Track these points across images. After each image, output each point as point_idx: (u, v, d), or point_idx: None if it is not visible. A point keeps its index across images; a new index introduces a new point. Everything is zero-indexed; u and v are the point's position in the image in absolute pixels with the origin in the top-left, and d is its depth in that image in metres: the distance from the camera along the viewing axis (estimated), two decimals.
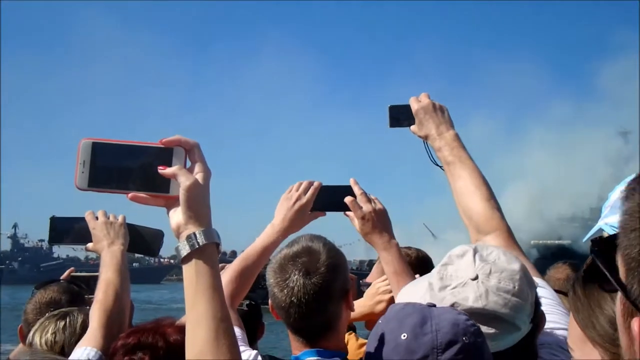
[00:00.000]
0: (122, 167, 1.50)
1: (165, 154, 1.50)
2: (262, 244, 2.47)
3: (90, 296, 2.79)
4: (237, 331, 2.23)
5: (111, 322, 2.42)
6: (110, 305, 2.45)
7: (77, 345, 2.36)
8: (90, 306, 2.60)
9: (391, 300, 2.73)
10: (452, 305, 1.64)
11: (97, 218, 2.68)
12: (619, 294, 0.85)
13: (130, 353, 2.00)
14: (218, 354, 1.41)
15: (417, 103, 2.56)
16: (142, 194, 1.50)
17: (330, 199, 2.55)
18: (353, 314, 2.88)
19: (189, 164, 1.52)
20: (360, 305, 2.85)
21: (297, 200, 2.51)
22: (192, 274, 1.47)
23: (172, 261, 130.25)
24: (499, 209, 2.34)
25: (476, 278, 1.67)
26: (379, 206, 2.52)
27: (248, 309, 3.32)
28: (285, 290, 2.00)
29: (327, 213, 2.58)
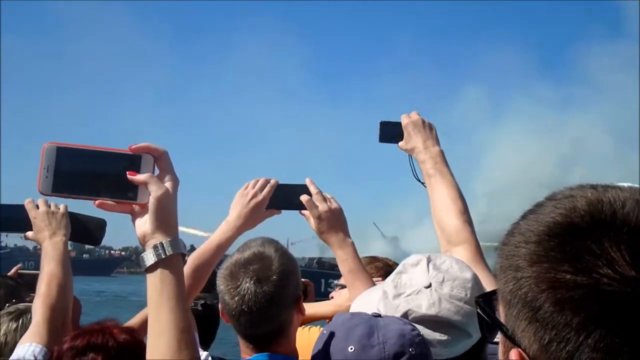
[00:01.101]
0: (87, 173, 1.46)
1: (133, 161, 1.46)
2: (217, 240, 2.46)
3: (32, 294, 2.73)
4: None
5: (55, 317, 2.35)
6: (55, 299, 2.38)
7: (20, 342, 2.29)
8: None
9: None
10: (406, 313, 1.65)
11: (37, 206, 2.59)
12: (500, 337, 0.90)
13: (80, 355, 1.95)
14: None
15: (407, 118, 2.65)
16: (109, 201, 1.47)
17: (286, 197, 2.56)
18: (325, 311, 2.88)
19: (157, 171, 1.49)
20: (337, 305, 2.92)
21: (252, 197, 2.51)
22: (157, 283, 1.45)
23: (123, 253, 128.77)
24: (470, 223, 2.42)
25: (429, 286, 1.69)
26: (334, 205, 2.53)
27: (202, 309, 3.30)
28: (236, 298, 1.98)
29: (283, 211, 2.59)
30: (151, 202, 1.45)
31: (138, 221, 1.49)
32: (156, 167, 1.49)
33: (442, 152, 2.58)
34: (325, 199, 2.53)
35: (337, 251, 2.51)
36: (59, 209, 2.61)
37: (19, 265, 3.54)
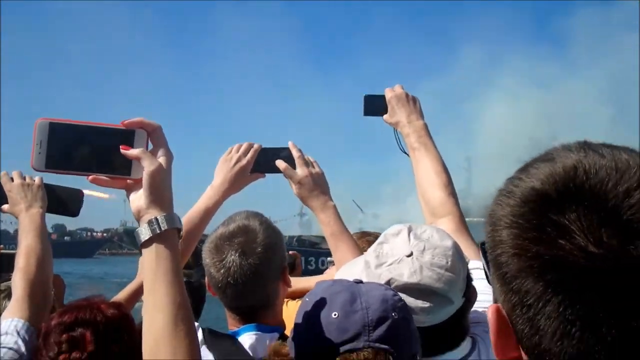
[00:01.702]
0: (81, 149, 1.45)
1: (126, 136, 1.46)
2: (203, 205, 2.46)
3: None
4: None
5: (35, 291, 2.32)
6: (34, 273, 2.35)
7: (2, 317, 2.25)
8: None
9: None
10: (389, 281, 1.68)
11: (12, 179, 2.55)
12: None
13: (69, 330, 1.95)
14: (176, 340, 1.40)
15: (391, 92, 2.66)
16: (102, 177, 1.46)
17: (270, 160, 2.56)
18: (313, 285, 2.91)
19: (150, 147, 1.49)
20: (330, 275, 2.91)
21: (237, 161, 2.51)
22: (153, 258, 1.45)
23: (105, 235, 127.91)
24: (454, 195, 2.44)
25: (411, 255, 1.72)
26: (316, 170, 2.53)
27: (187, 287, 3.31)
28: (222, 271, 2.01)
29: (264, 182, 2.60)
30: (145, 177, 1.45)
31: (132, 196, 1.48)
32: (150, 142, 1.48)
33: (425, 125, 2.60)
34: (307, 163, 2.53)
35: (319, 215, 2.51)
36: (34, 180, 2.57)
37: (0, 245, 3.51)
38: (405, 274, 1.69)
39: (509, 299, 0.82)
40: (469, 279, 1.80)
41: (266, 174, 2.59)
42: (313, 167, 2.54)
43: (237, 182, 2.51)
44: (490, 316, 0.87)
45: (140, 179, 1.45)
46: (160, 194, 1.47)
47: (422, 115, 2.63)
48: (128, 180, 1.48)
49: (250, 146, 2.55)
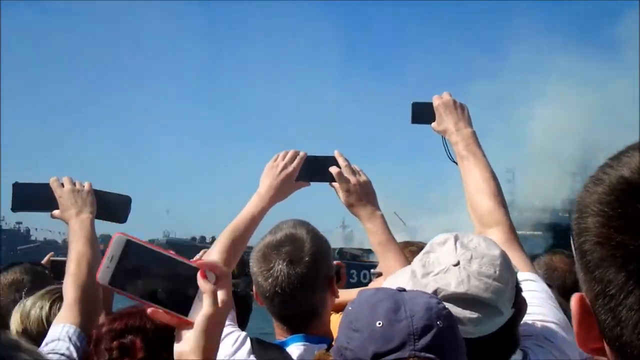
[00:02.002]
0: (149, 275, 1.41)
1: (196, 275, 1.40)
2: (250, 212, 2.46)
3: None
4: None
5: (87, 297, 2.35)
6: (84, 278, 2.37)
7: (54, 322, 2.29)
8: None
9: None
10: (435, 291, 1.66)
11: (62, 185, 2.59)
12: None
13: (119, 337, 1.98)
14: None
15: (438, 99, 2.64)
16: (161, 310, 1.39)
17: (315, 169, 2.57)
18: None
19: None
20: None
21: (283, 169, 2.53)
22: None
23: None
24: (504, 204, 2.39)
25: (458, 264, 1.70)
26: (363, 178, 2.53)
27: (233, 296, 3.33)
28: (270, 280, 2.01)
29: (312, 184, 2.61)
30: (201, 319, 1.36)
31: (180, 336, 1.39)
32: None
33: (474, 133, 2.56)
34: (354, 172, 2.54)
35: (366, 224, 2.51)
36: (84, 186, 2.62)
37: (51, 253, 3.58)
38: (452, 283, 1.67)
39: (591, 288, 0.82)
40: (518, 289, 1.76)
41: (311, 182, 2.61)
42: (360, 175, 2.54)
43: (282, 190, 2.52)
44: (574, 305, 0.86)
45: (193, 322, 1.37)
46: (210, 342, 1.37)
47: (470, 123, 2.60)
48: (184, 321, 1.39)
49: (296, 154, 2.57)
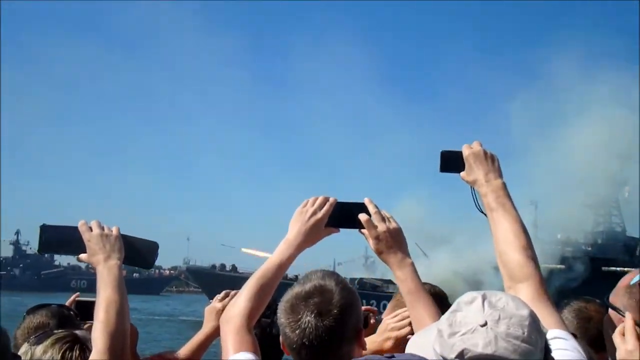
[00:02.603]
0: None
1: None
2: (278, 260, 2.46)
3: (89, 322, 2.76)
4: (251, 357, 2.24)
5: (115, 344, 2.38)
6: (113, 325, 2.41)
7: None
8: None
9: (400, 338, 2.74)
10: (462, 352, 1.63)
11: (90, 229, 2.61)
12: None
13: None
14: None
15: (468, 149, 2.60)
16: None
17: (345, 215, 2.56)
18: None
19: None
20: (371, 342, 2.84)
21: (312, 215, 2.52)
22: None
23: (172, 272, 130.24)
24: (534, 258, 2.34)
25: (485, 324, 1.66)
26: (393, 225, 2.53)
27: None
28: (297, 331, 2.00)
29: (341, 230, 2.59)
30: None
31: None
32: None
33: (504, 184, 2.52)
34: (384, 219, 2.53)
35: (396, 271, 2.49)
36: (112, 231, 2.63)
37: (77, 294, 3.59)
38: (480, 344, 1.63)
39: None
40: (547, 350, 1.72)
41: (341, 229, 2.59)
42: (390, 222, 2.54)
43: (311, 236, 2.52)
44: None
45: None
46: None
47: (500, 174, 2.56)
48: None
49: (326, 200, 2.56)
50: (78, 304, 3.35)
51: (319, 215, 2.52)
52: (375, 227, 2.50)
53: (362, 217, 2.51)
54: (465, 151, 2.60)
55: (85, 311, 3.16)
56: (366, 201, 2.56)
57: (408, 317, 2.67)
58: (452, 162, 2.64)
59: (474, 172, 2.55)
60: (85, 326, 3.06)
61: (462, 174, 2.60)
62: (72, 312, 3.21)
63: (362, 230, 2.54)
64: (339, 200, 2.58)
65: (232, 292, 3.24)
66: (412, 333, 2.56)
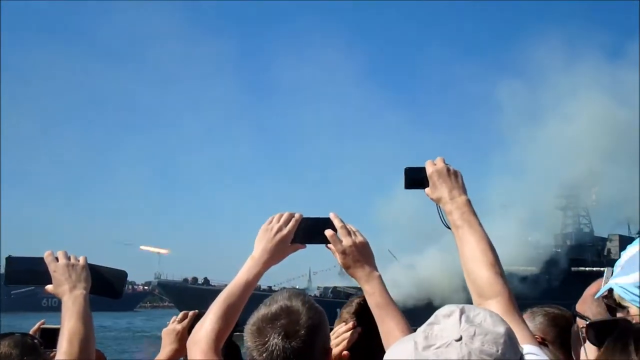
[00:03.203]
0: None
1: None
2: (244, 278, 2.43)
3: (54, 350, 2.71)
4: None
5: None
6: (76, 356, 2.36)
7: None
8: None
9: (335, 355, 2.67)
10: None
11: (57, 259, 2.57)
12: None
13: None
14: None
15: (432, 166, 2.59)
16: None
17: (311, 231, 2.55)
18: None
19: None
20: None
21: (278, 231, 2.50)
22: None
23: (146, 288, 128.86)
24: (502, 275, 2.35)
25: (460, 339, 1.66)
26: (359, 239, 2.51)
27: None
28: (265, 354, 1.98)
29: (307, 245, 2.58)
30: None
31: None
32: None
33: (468, 200, 2.52)
34: (350, 233, 2.51)
35: (364, 285, 2.47)
36: (79, 261, 2.59)
37: (42, 320, 3.53)
38: (453, 359, 1.64)
39: None
40: None
41: (307, 245, 2.57)
42: (356, 236, 2.52)
43: (277, 253, 2.50)
44: None
45: None
46: None
47: (464, 191, 2.56)
48: None
49: (292, 216, 2.55)
50: (43, 331, 3.28)
51: (285, 231, 2.50)
52: (341, 241, 2.49)
53: (328, 232, 2.50)
54: (429, 168, 2.59)
55: (51, 339, 3.10)
56: (332, 216, 2.55)
57: (344, 333, 2.67)
58: (416, 179, 2.64)
59: (438, 189, 2.55)
60: (52, 354, 3.00)
61: (426, 190, 2.60)
62: (36, 341, 3.15)
63: (329, 245, 2.52)
64: (305, 216, 2.57)
65: (191, 313, 3.22)
66: (347, 349, 2.58)
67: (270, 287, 56.38)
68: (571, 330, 2.27)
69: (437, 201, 2.56)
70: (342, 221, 2.54)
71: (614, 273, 1.89)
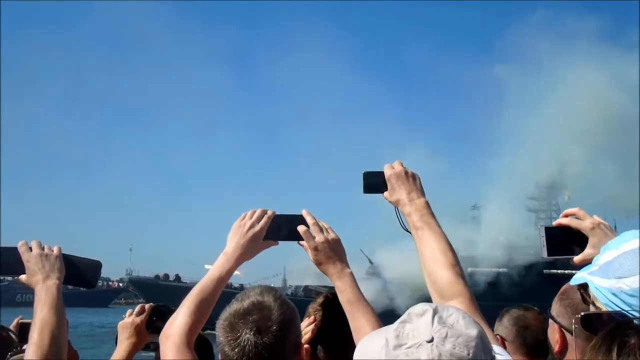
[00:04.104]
0: None
1: None
2: (217, 273, 2.45)
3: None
4: None
5: None
6: (47, 348, 2.33)
7: None
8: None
9: None
10: None
11: (30, 249, 2.55)
12: None
13: None
14: None
15: (390, 170, 2.62)
16: None
17: (284, 228, 2.57)
18: None
19: None
20: None
21: (250, 227, 2.53)
22: None
23: (120, 284, 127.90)
24: (462, 275, 2.36)
25: (431, 340, 1.65)
26: (331, 235, 2.54)
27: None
28: (237, 350, 1.98)
29: (280, 242, 2.60)
30: None
31: None
32: None
33: (427, 202, 2.54)
34: (322, 229, 2.54)
35: (335, 282, 2.50)
36: (52, 251, 2.57)
37: (20, 316, 3.50)
38: None
39: None
40: None
41: (279, 242, 2.60)
42: (328, 233, 2.54)
43: (250, 249, 2.52)
44: None
45: None
46: None
47: (423, 193, 2.59)
48: None
49: (264, 212, 2.57)
50: (21, 326, 3.27)
51: (257, 228, 2.53)
52: (314, 238, 2.51)
53: (300, 228, 2.52)
54: (387, 172, 2.62)
55: (27, 333, 3.08)
56: (304, 213, 2.57)
57: (305, 327, 2.67)
58: (374, 183, 2.65)
59: (396, 192, 2.58)
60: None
61: (385, 194, 2.62)
62: (10, 334, 3.12)
63: (301, 242, 2.53)
64: (278, 213, 2.59)
65: (147, 306, 3.17)
66: (308, 343, 2.58)
67: (242, 285, 56.27)
68: (547, 332, 2.28)
69: (396, 204, 2.59)
70: (314, 218, 2.56)
71: (589, 267, 1.91)
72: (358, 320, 2.39)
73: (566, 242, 2.38)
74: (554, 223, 2.44)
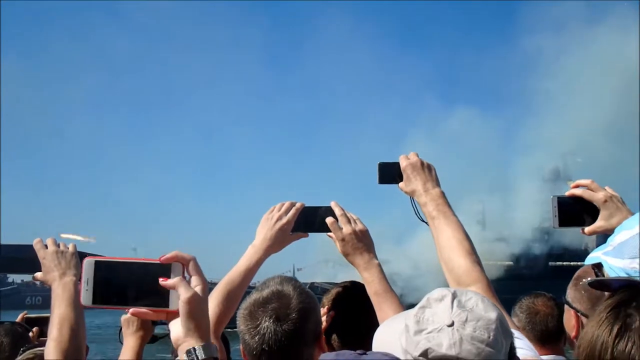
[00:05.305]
0: (122, 284, 1.55)
1: (163, 270, 1.54)
2: (245, 265, 2.49)
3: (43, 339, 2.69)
4: None
5: None
6: (67, 343, 2.36)
7: None
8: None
9: None
10: (426, 351, 1.61)
11: (46, 246, 2.57)
12: None
13: None
14: None
15: (405, 160, 2.63)
16: (143, 309, 1.54)
17: (312, 219, 2.58)
18: None
19: (187, 277, 1.55)
20: None
21: (278, 220, 2.56)
22: None
23: None
24: (479, 262, 2.39)
25: (452, 324, 1.65)
26: (359, 227, 2.55)
27: None
28: (257, 337, 1.99)
29: (310, 234, 2.62)
30: (181, 305, 1.50)
31: (171, 325, 1.53)
32: (186, 273, 1.55)
33: (442, 192, 2.56)
34: (350, 221, 2.55)
35: (362, 273, 2.51)
36: (68, 248, 2.59)
37: (24, 312, 3.52)
38: (444, 344, 1.61)
39: None
40: (512, 355, 1.71)
41: (309, 234, 2.62)
42: (356, 224, 2.56)
43: (278, 241, 2.55)
44: None
45: (177, 310, 1.52)
46: (197, 322, 1.51)
47: (438, 183, 2.60)
48: (167, 312, 1.54)
49: (292, 205, 2.60)
50: (27, 320, 3.28)
51: (285, 220, 2.55)
52: (341, 229, 2.52)
53: (329, 220, 2.53)
54: (403, 162, 2.63)
55: (34, 326, 3.10)
56: (332, 204, 2.59)
57: (322, 316, 2.70)
58: (389, 173, 2.65)
59: (412, 182, 2.59)
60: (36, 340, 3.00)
61: (400, 184, 2.63)
62: (25, 328, 3.14)
63: (330, 233, 2.55)
64: (306, 205, 2.60)
65: None
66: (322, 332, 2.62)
67: (254, 282, 56.32)
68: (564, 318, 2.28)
69: (411, 194, 2.60)
70: (342, 209, 2.58)
71: (604, 247, 1.89)
72: (385, 312, 2.41)
73: (577, 213, 2.39)
74: (567, 193, 2.45)
